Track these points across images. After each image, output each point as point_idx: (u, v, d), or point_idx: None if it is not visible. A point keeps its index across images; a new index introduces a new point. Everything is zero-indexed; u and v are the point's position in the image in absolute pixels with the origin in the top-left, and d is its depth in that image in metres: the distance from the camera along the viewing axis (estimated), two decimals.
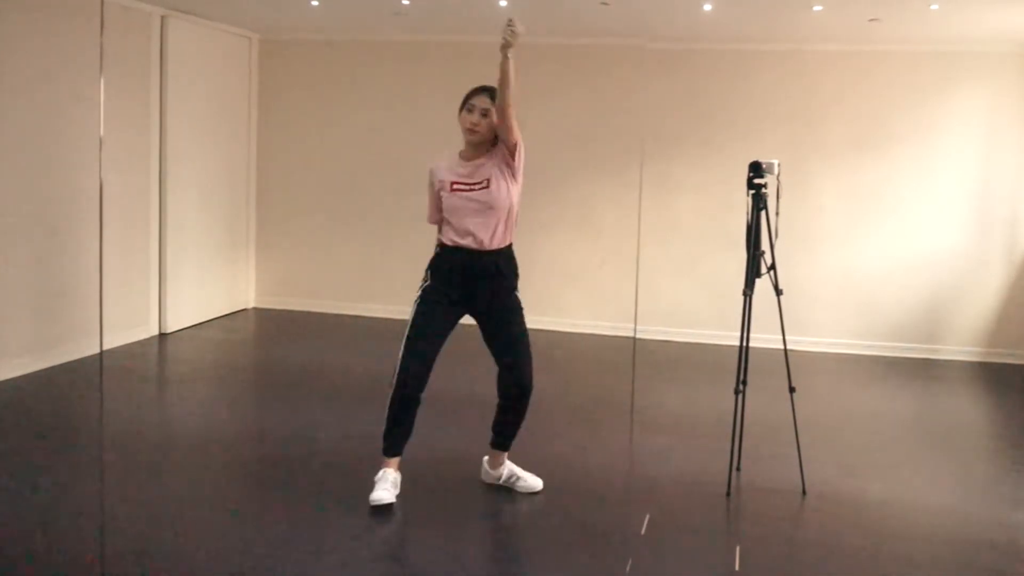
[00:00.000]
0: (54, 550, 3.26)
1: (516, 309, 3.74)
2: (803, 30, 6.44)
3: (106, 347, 6.08)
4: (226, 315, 7.53)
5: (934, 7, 5.36)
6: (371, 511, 3.62)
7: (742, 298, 4.10)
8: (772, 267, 4.04)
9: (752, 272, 4.07)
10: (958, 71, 6.74)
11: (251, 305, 7.92)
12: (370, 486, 3.69)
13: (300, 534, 3.42)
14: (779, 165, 4.08)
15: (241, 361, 6.45)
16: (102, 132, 5.90)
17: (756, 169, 4.04)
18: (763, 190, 4.04)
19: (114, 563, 3.17)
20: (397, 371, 3.64)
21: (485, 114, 3.61)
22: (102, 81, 5.88)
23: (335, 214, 7.75)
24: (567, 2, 5.82)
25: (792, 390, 4.09)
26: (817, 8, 5.54)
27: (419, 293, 3.74)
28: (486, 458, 3.99)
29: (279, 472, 4.14)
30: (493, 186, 3.61)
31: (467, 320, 3.78)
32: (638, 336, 7.15)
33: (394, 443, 3.73)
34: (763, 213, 4.04)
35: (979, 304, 6.87)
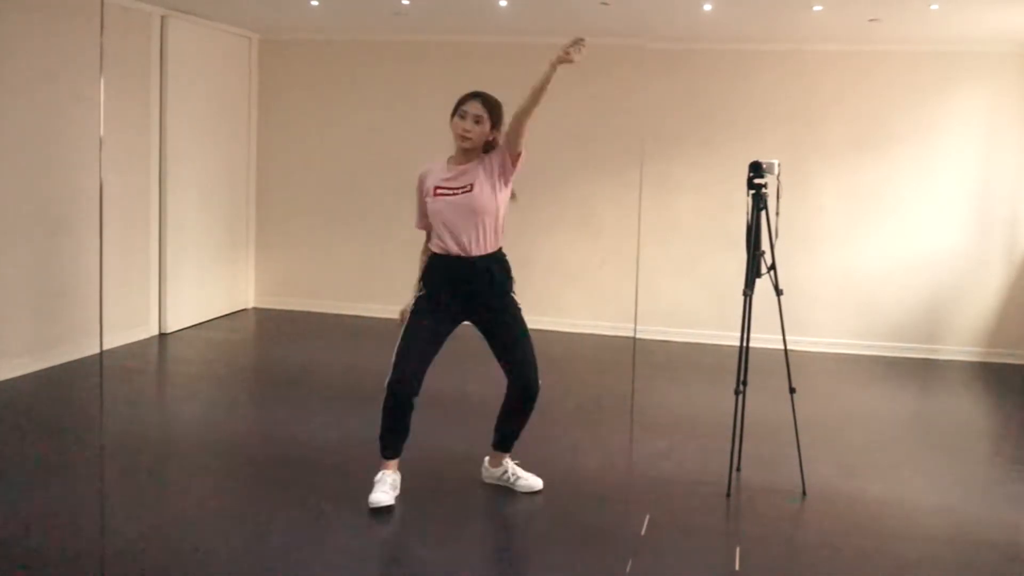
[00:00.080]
0: (54, 550, 3.26)
1: (514, 311, 3.73)
2: (803, 30, 6.44)
3: (106, 347, 6.08)
4: (226, 315, 7.53)
5: (934, 7, 5.36)
6: (370, 512, 3.62)
7: (742, 298, 4.09)
8: (772, 267, 4.03)
9: (752, 272, 4.06)
10: (958, 71, 6.74)
11: (251, 305, 7.92)
12: (370, 486, 3.70)
13: (300, 534, 3.42)
14: (779, 165, 4.08)
15: (241, 361, 6.45)
16: (102, 132, 5.89)
17: (756, 169, 4.03)
18: (763, 190, 4.03)
19: (114, 563, 3.18)
20: (388, 379, 3.63)
21: (477, 121, 3.59)
22: (102, 81, 5.88)
23: (335, 214, 7.75)
24: (567, 2, 5.82)
25: (792, 390, 4.08)
26: (817, 8, 5.54)
27: (412, 303, 3.72)
28: (487, 458, 4.00)
29: (279, 472, 4.13)
30: (476, 190, 3.59)
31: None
32: (638, 336, 7.15)
33: (391, 446, 3.73)
34: (763, 213, 4.04)
35: (979, 304, 6.87)
